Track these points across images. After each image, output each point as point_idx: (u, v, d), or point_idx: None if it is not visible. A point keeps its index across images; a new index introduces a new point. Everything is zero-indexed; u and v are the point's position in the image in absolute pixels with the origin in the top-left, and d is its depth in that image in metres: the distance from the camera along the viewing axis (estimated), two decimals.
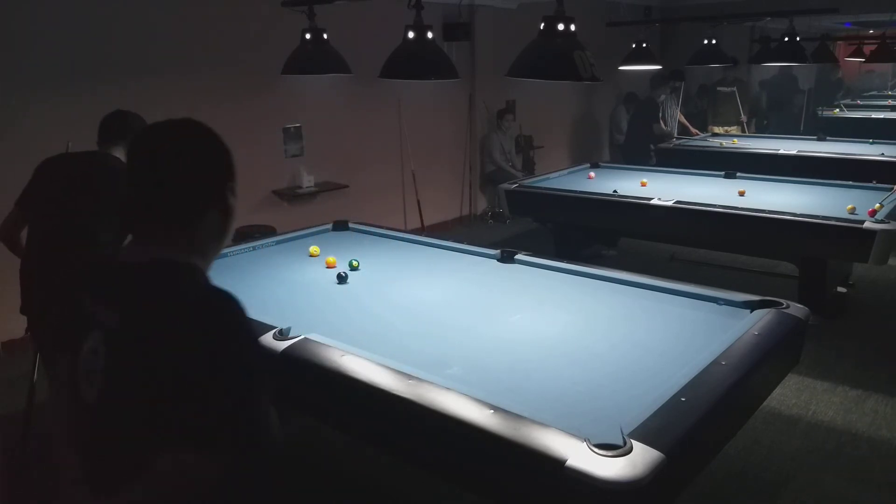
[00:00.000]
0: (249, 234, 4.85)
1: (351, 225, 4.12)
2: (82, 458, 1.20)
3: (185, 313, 1.10)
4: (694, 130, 8.31)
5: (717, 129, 8.49)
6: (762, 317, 2.47)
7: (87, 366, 1.16)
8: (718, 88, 8.73)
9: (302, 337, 2.31)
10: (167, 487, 1.11)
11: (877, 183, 5.01)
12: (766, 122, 10.45)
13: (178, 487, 1.11)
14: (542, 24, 2.65)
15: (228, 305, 1.13)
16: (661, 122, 8.02)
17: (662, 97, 8.08)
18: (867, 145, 6.85)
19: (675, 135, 8.04)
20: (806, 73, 11.06)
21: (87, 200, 2.79)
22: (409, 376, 2.03)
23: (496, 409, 1.81)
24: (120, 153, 2.86)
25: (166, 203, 1.19)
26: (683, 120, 8.45)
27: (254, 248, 3.66)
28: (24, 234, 2.99)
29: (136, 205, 1.20)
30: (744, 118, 8.68)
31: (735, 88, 8.61)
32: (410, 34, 3.22)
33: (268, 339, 2.37)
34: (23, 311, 2.96)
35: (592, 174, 5.88)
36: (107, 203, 2.72)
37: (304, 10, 4.03)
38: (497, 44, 7.06)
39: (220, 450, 1.08)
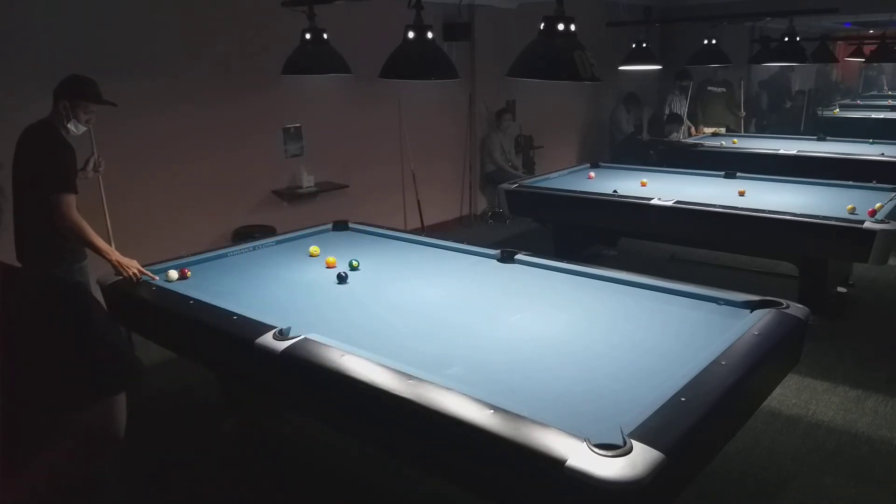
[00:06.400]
0: (249, 234, 4.86)
1: (351, 225, 4.12)
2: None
3: None
4: (694, 130, 8.33)
5: (707, 130, 8.49)
6: (762, 317, 2.47)
7: None
8: (708, 88, 8.73)
9: (302, 337, 2.32)
10: None
11: (877, 183, 5.01)
12: (765, 122, 10.48)
13: None
14: (542, 24, 2.64)
15: None
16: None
17: (671, 96, 8.10)
18: (867, 145, 6.85)
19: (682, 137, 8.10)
20: (803, 73, 11.08)
21: None
22: (410, 376, 2.03)
23: (496, 409, 1.81)
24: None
25: None
26: (686, 119, 8.46)
27: (254, 248, 3.66)
28: None
29: None
30: (742, 113, 8.72)
31: (724, 89, 8.63)
32: (410, 34, 3.22)
33: (268, 339, 2.37)
34: None
35: (592, 174, 5.88)
36: None
37: (304, 10, 4.03)
38: (497, 44, 7.06)
39: None
